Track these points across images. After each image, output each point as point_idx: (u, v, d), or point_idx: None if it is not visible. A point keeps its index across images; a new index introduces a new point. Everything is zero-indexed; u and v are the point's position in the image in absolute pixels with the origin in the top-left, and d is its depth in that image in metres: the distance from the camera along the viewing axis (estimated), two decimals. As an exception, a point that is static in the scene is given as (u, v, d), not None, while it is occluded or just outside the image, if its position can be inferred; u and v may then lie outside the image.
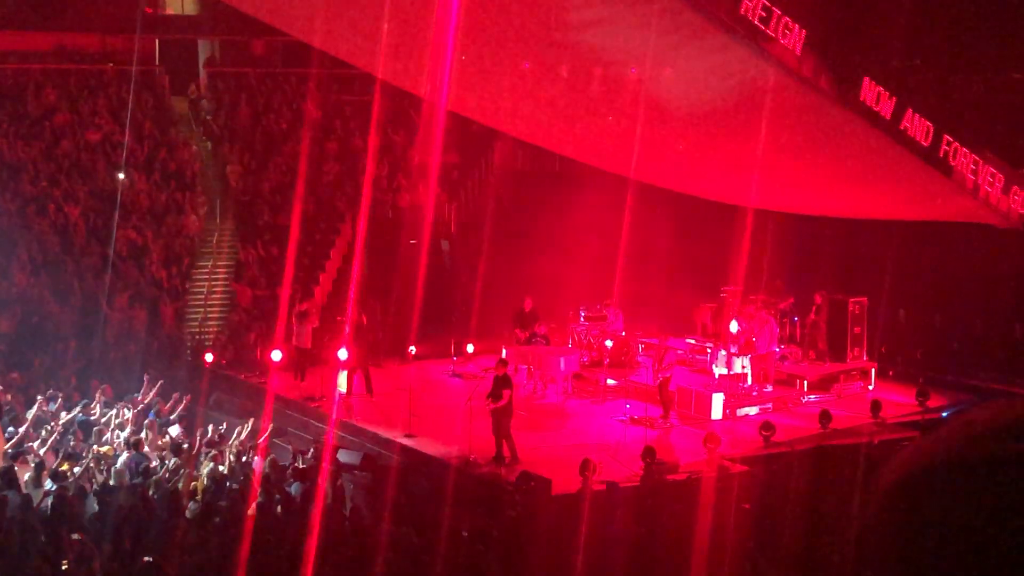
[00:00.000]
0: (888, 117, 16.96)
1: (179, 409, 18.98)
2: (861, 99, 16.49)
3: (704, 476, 17.16)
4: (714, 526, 14.63)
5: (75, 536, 12.91)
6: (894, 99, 16.79)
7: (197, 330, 27.04)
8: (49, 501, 14.49)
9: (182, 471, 15.77)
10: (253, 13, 18.87)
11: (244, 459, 16.95)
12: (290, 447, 19.07)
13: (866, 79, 16.64)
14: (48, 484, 15.18)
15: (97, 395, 19.59)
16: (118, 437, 17.52)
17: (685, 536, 14.39)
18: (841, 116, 16.49)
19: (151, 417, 18.51)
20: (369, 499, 16.78)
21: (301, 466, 16.83)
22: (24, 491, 14.81)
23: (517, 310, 24.61)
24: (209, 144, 32.61)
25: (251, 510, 14.73)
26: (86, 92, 31.95)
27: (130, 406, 18.99)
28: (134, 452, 16.50)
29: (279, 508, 15.01)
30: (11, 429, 17.55)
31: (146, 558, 12.68)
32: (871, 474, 16.30)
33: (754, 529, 14.75)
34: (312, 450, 17.65)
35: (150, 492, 14.98)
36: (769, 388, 22.60)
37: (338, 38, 17.65)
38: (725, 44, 14.44)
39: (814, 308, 24.85)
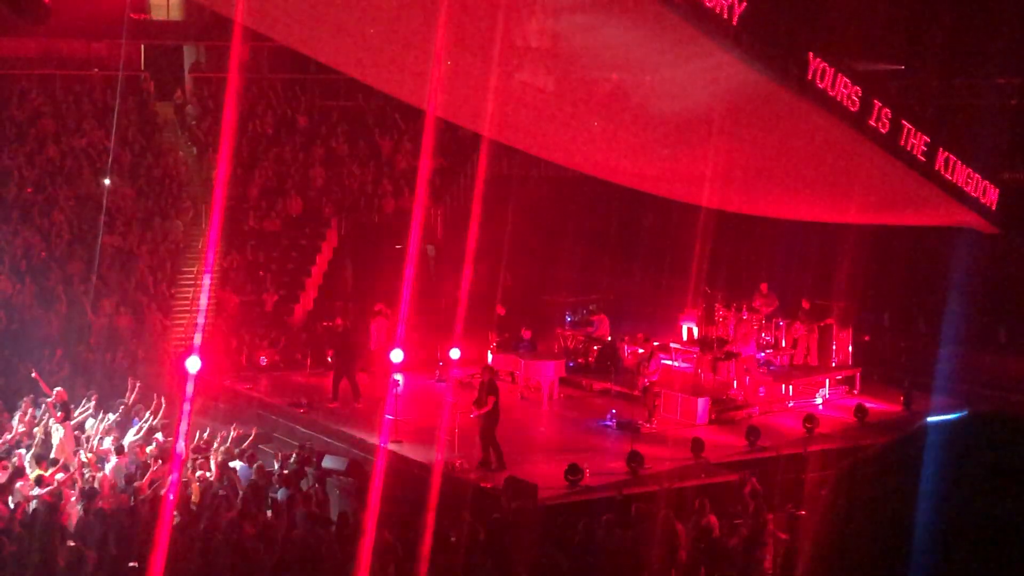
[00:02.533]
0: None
1: (162, 414, 18.90)
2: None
3: (689, 481, 17.21)
4: (698, 531, 14.66)
5: (70, 543, 12.91)
6: (886, 109, 16.89)
7: (183, 336, 26.97)
8: (34, 508, 14.44)
9: (168, 477, 15.71)
10: (243, 20, 18.81)
11: (230, 465, 16.90)
12: (276, 453, 19.03)
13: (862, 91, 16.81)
14: (34, 491, 15.12)
15: (83, 401, 19.52)
16: (104, 443, 17.46)
17: (671, 541, 14.41)
18: (826, 122, 16.53)
19: (136, 423, 18.45)
20: (355, 505, 16.75)
21: (287, 472, 16.80)
22: (9, 498, 14.78)
23: (493, 318, 24.66)
24: (194, 150, 32.56)
25: (236, 515, 14.71)
26: (71, 98, 31.88)
27: (115, 412, 18.94)
28: (120, 458, 16.46)
29: (266, 514, 14.98)
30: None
31: (131, 564, 12.66)
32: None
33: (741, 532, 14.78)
34: (295, 455, 17.61)
35: (136, 498, 14.94)
36: (762, 391, 22.62)
37: (325, 44, 17.65)
38: (709, 50, 14.48)
39: (800, 313, 24.92)
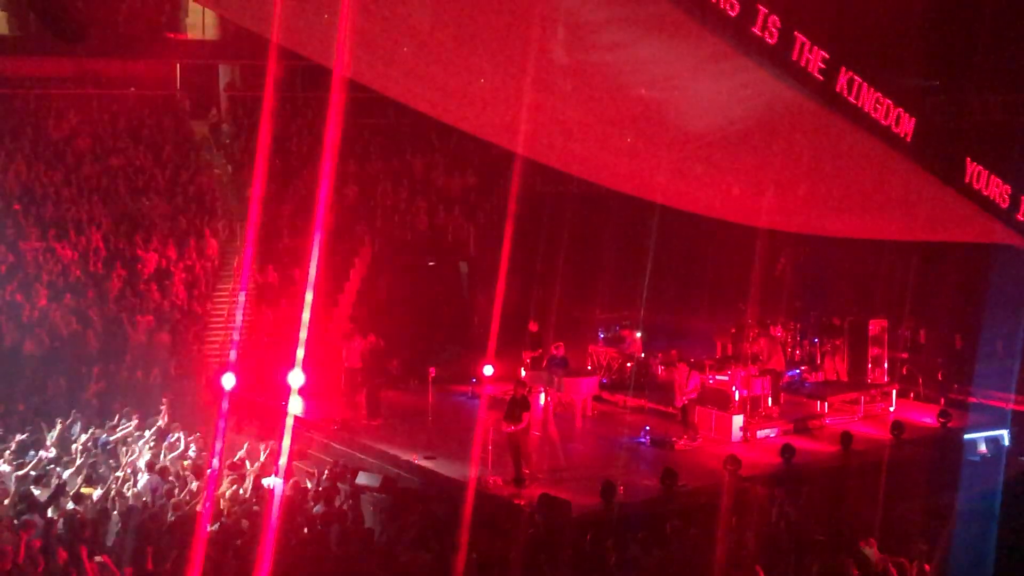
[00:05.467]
0: (907, 137, 16.57)
1: (195, 431, 19.02)
2: (884, 123, 16.14)
3: (724, 498, 17.11)
4: (733, 548, 14.58)
5: (98, 559, 12.94)
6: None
7: (217, 353, 27.12)
8: (70, 524, 14.54)
9: (202, 494, 15.80)
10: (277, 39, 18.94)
11: (265, 481, 16.96)
12: (312, 470, 19.09)
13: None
14: (69, 506, 15.23)
15: (117, 418, 19.67)
16: (139, 460, 17.58)
17: (704, 559, 14.34)
18: (862, 137, 16.45)
19: (171, 440, 18.56)
20: (388, 521, 16.77)
21: (321, 488, 16.86)
22: (46, 514, 14.89)
23: (525, 334, 24.60)
24: (229, 168, 32.78)
25: (272, 532, 14.75)
26: (107, 116, 32.17)
27: (151, 429, 19.06)
28: (155, 475, 16.56)
29: (301, 530, 15.02)
30: (32, 452, 17.64)
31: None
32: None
33: (774, 551, 14.70)
34: (327, 472, 17.66)
35: (170, 515, 15.01)
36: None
37: (357, 61, 17.74)
38: (744, 66, 14.45)
39: (836, 330, 24.79)
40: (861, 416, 22.96)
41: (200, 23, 35.55)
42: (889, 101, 16.12)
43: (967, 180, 17.37)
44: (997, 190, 17.72)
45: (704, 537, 14.84)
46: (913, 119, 16.57)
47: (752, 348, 23.47)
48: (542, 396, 22.99)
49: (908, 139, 16.61)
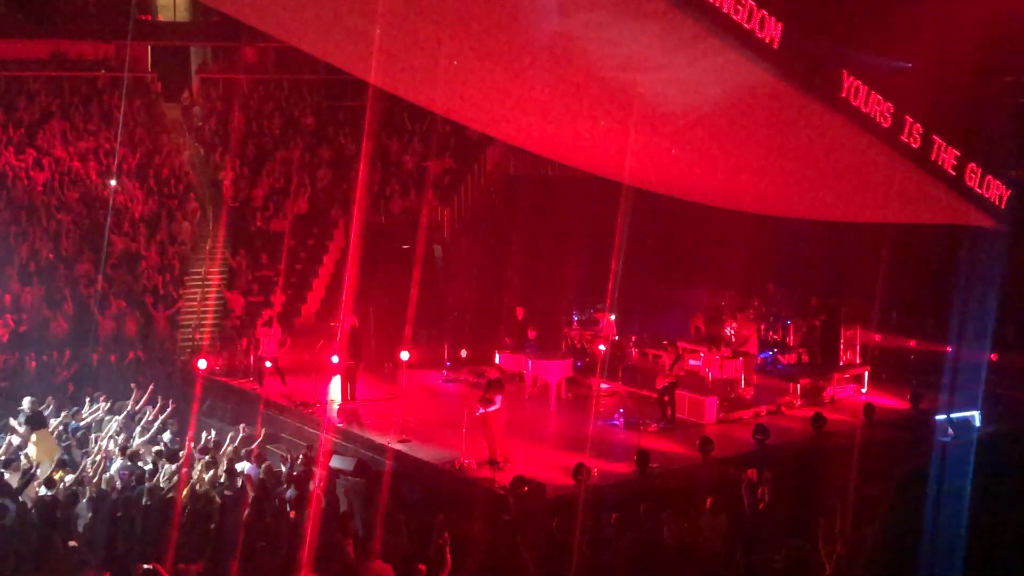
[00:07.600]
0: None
1: (167, 415, 18.92)
2: (855, 104, 16.01)
3: (697, 480, 17.19)
4: (707, 529, 14.65)
5: (71, 543, 12.89)
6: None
7: (190, 337, 27.01)
8: (41, 508, 14.47)
9: (175, 478, 15.74)
10: (247, 20, 18.83)
11: (238, 465, 16.91)
12: (285, 453, 19.05)
13: (849, 77, 16.23)
14: (41, 491, 15.15)
15: (88, 402, 19.57)
16: (111, 444, 17.49)
17: (678, 540, 14.40)
18: (831, 119, 16.49)
19: (142, 424, 18.47)
20: (363, 504, 16.76)
21: (295, 472, 16.81)
22: (18, 499, 14.80)
23: (510, 320, 24.55)
24: (201, 150, 32.60)
25: (245, 516, 14.72)
26: (78, 99, 31.93)
27: (123, 413, 18.96)
28: (127, 459, 16.48)
29: (274, 514, 14.98)
30: (2, 436, 17.54)
31: (145, 566, 12.64)
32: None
33: (748, 532, 14.78)
34: (302, 456, 17.62)
35: (143, 499, 14.95)
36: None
37: (329, 43, 17.67)
38: (717, 48, 14.45)
39: (809, 312, 24.87)
40: (833, 397, 23.08)
41: (172, 5, 35.37)
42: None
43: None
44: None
45: (677, 519, 14.89)
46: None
47: (725, 330, 23.52)
48: (517, 379, 23.02)
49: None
